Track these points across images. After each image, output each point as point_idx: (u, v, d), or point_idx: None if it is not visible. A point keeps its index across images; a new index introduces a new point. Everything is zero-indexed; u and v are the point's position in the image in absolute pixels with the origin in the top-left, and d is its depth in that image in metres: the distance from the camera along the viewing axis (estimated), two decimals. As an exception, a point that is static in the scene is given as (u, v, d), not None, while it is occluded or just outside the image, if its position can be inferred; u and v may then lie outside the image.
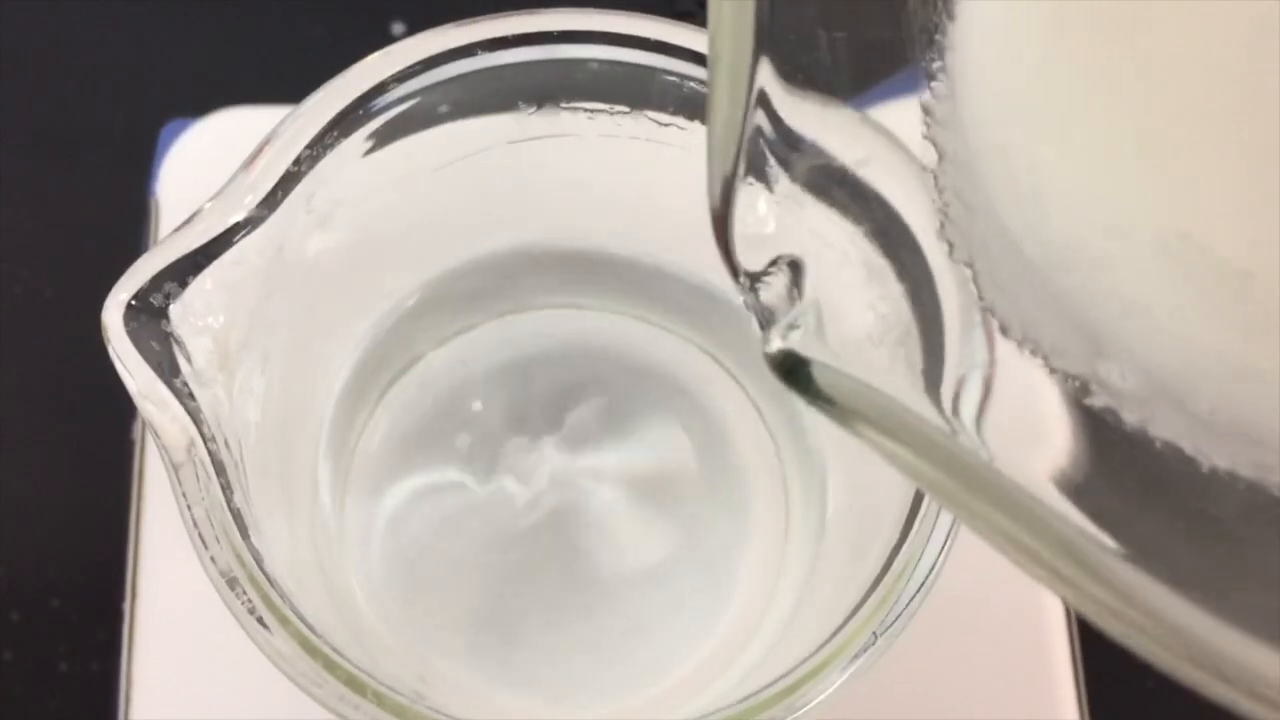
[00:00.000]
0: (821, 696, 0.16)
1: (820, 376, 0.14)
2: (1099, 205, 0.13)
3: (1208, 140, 0.12)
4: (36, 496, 0.26)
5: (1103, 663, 0.23)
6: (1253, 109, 0.12)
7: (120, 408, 0.25)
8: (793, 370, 0.14)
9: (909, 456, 0.13)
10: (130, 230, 0.26)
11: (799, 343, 0.14)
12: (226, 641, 0.22)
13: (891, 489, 0.16)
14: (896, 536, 0.16)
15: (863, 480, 0.19)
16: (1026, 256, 0.14)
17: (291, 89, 0.21)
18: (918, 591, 0.16)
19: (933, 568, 0.15)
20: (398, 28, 0.30)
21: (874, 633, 0.16)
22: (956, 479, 0.13)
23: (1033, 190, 0.14)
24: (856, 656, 0.16)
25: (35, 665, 0.25)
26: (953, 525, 0.15)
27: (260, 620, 0.15)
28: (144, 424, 0.24)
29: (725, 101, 0.13)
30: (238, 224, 0.17)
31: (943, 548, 0.15)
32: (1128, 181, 0.13)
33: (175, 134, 0.26)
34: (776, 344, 0.14)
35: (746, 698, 0.15)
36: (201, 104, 0.27)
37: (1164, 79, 0.13)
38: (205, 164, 0.26)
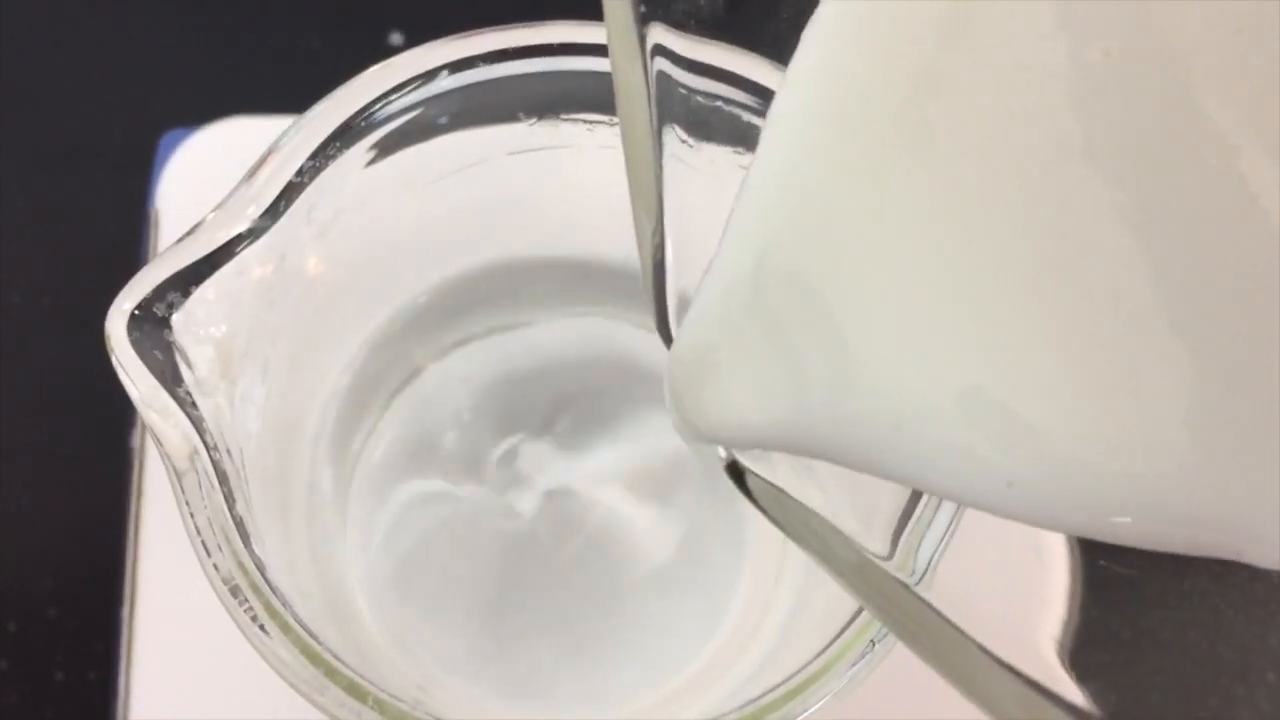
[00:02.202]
0: (820, 704, 0.16)
1: (756, 488, 0.14)
2: (900, 356, 0.12)
3: (1005, 284, 0.11)
4: (33, 505, 0.26)
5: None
6: (1048, 240, 0.11)
7: (118, 417, 0.25)
8: (740, 476, 0.14)
9: (834, 574, 0.14)
10: (129, 239, 0.26)
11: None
12: (225, 651, 0.22)
13: (884, 494, 0.17)
14: (888, 546, 0.16)
15: (857, 482, 0.19)
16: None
17: (290, 99, 0.21)
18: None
19: (926, 569, 0.15)
20: (396, 38, 0.30)
21: (872, 640, 0.16)
22: (878, 603, 0.14)
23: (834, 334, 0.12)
24: (855, 662, 0.16)
25: (32, 674, 0.25)
26: (948, 528, 0.15)
27: (262, 628, 0.15)
28: (143, 433, 0.24)
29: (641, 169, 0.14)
30: (240, 234, 0.17)
31: (936, 550, 0.15)
32: (924, 331, 0.11)
33: (174, 144, 0.26)
34: (723, 451, 0.14)
35: (745, 705, 0.15)
36: (200, 114, 0.27)
37: (956, 212, 0.11)
38: (205, 174, 0.26)
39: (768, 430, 0.13)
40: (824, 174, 0.12)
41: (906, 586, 0.14)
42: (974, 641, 0.13)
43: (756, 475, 0.14)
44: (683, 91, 0.15)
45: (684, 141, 0.15)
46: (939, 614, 0.13)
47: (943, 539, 0.15)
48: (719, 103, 0.16)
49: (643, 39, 0.13)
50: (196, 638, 0.22)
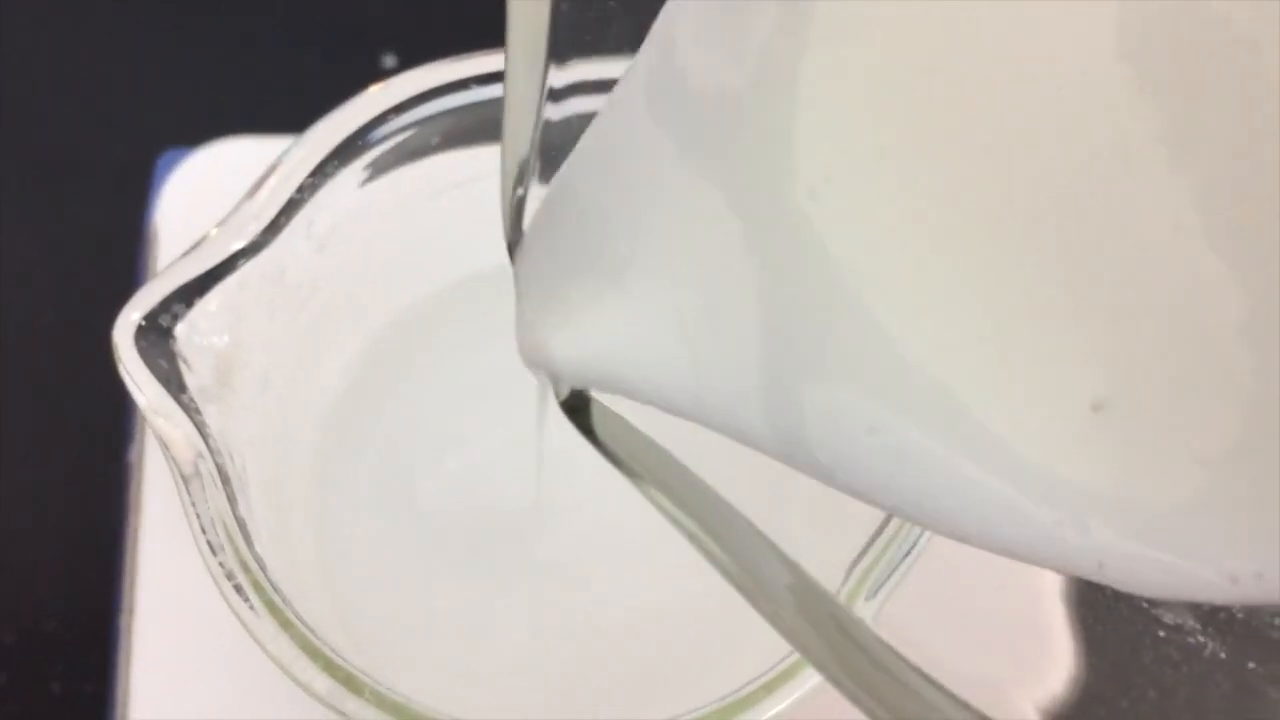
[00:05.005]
0: (794, 697, 0.16)
1: (601, 423, 0.12)
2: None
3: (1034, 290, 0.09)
4: (30, 518, 0.27)
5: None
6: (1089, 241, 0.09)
7: (115, 431, 0.25)
8: (577, 409, 0.12)
9: (692, 527, 0.12)
10: (126, 257, 0.27)
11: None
12: (223, 663, 0.22)
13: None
14: (866, 540, 0.16)
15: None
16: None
17: (285, 119, 0.22)
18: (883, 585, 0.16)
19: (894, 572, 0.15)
20: (389, 60, 0.31)
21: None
22: (725, 559, 0.12)
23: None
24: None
25: (29, 687, 0.25)
26: (904, 562, 0.15)
27: (264, 623, 0.16)
28: (141, 447, 0.24)
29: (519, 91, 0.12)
30: (242, 249, 0.17)
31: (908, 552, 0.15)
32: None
33: (172, 163, 0.27)
34: (563, 390, 0.12)
35: (725, 697, 0.16)
36: (196, 134, 0.27)
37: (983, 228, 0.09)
38: (201, 192, 0.26)
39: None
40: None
41: (778, 552, 0.12)
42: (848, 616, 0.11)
43: (607, 409, 0.12)
44: None
45: None
46: (810, 581, 0.11)
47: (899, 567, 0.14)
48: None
49: None
50: (194, 650, 0.23)
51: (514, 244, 0.13)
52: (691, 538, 0.12)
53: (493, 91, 0.19)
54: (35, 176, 0.30)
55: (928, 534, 0.15)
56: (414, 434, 0.23)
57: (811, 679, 0.16)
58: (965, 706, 0.11)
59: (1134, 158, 0.09)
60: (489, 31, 0.21)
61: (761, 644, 0.18)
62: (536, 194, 0.14)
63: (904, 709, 0.10)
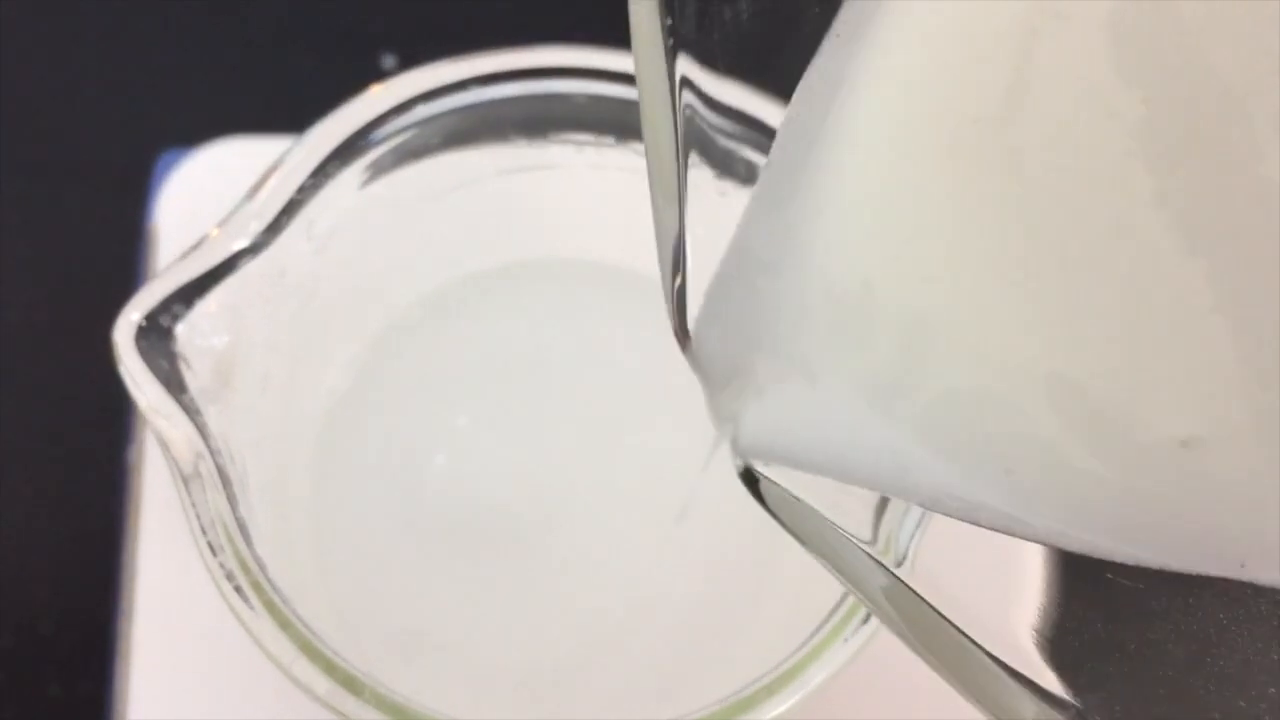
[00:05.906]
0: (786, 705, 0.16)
1: (769, 494, 0.14)
2: (982, 346, 0.12)
3: (1086, 276, 0.11)
4: (28, 520, 0.27)
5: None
6: (1129, 242, 0.11)
7: (113, 433, 0.25)
8: (754, 482, 0.15)
9: (845, 584, 0.14)
10: (126, 258, 0.27)
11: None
12: (222, 666, 0.22)
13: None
14: (869, 533, 0.16)
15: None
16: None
17: (284, 120, 0.22)
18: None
19: (906, 553, 0.15)
20: (388, 61, 0.31)
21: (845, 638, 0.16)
22: (891, 616, 0.14)
23: (905, 331, 0.12)
24: (827, 666, 0.16)
25: (26, 690, 0.25)
26: (921, 519, 0.15)
27: (263, 624, 0.16)
28: (140, 448, 0.24)
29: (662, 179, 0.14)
30: (243, 249, 0.17)
31: (913, 534, 0.15)
32: (1009, 323, 0.11)
33: (171, 164, 0.27)
34: (739, 460, 0.15)
35: (743, 687, 0.16)
36: (195, 135, 0.27)
37: (1044, 216, 0.11)
38: (201, 193, 0.26)
39: (800, 454, 0.14)
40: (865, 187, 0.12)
41: (917, 595, 0.14)
42: (990, 655, 0.13)
43: (773, 482, 0.14)
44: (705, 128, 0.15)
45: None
46: (954, 626, 0.13)
47: (919, 523, 0.15)
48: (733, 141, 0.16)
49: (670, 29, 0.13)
50: (193, 652, 0.22)
51: (681, 330, 0.15)
52: (842, 584, 0.14)
53: (493, 92, 0.19)
54: (35, 176, 0.30)
55: None
56: (414, 434, 0.23)
57: (812, 680, 0.16)
58: (1039, 694, 0.12)
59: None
60: (487, 33, 0.21)
61: (762, 645, 0.18)
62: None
63: (979, 684, 0.12)
